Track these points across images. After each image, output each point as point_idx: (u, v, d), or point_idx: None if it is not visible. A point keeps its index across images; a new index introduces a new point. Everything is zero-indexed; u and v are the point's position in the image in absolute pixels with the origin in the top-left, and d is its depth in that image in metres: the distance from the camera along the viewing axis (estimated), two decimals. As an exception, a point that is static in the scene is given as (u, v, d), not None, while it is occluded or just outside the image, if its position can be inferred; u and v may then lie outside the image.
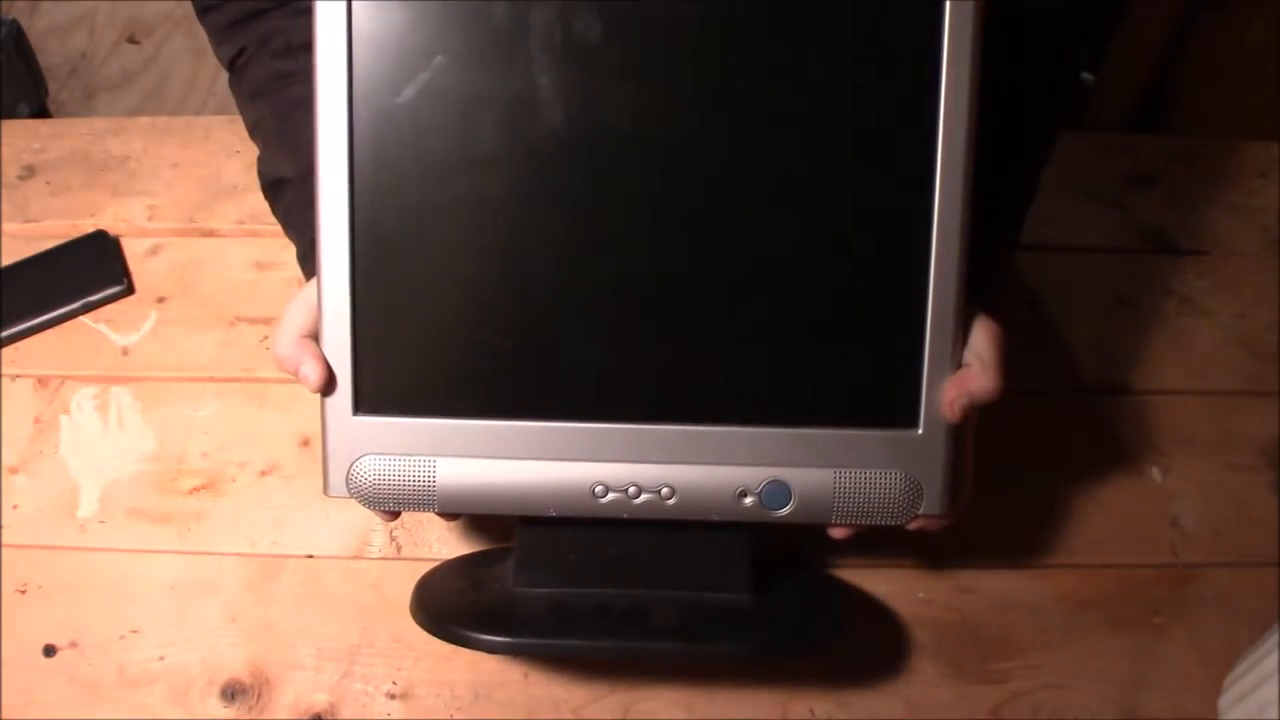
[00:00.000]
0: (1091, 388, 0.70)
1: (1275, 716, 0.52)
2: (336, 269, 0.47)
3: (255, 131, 0.62)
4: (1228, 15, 1.18)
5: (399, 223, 0.47)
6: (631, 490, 0.49)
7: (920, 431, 0.48)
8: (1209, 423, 0.68)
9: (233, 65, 0.61)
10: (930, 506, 0.49)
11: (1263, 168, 0.82)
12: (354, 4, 0.45)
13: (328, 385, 0.48)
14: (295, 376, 0.48)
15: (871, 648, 0.60)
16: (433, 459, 0.49)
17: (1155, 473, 0.66)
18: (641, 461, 0.49)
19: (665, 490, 0.49)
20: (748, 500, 0.49)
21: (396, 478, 0.49)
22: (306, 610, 0.60)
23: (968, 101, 0.46)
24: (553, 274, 0.48)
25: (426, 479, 0.49)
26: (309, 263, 0.47)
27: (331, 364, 0.48)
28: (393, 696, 0.57)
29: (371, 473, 0.49)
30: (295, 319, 0.50)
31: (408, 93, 0.46)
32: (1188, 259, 0.76)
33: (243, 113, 0.62)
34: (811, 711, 0.58)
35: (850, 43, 0.46)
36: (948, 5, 0.45)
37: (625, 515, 0.49)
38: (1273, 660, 0.53)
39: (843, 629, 0.54)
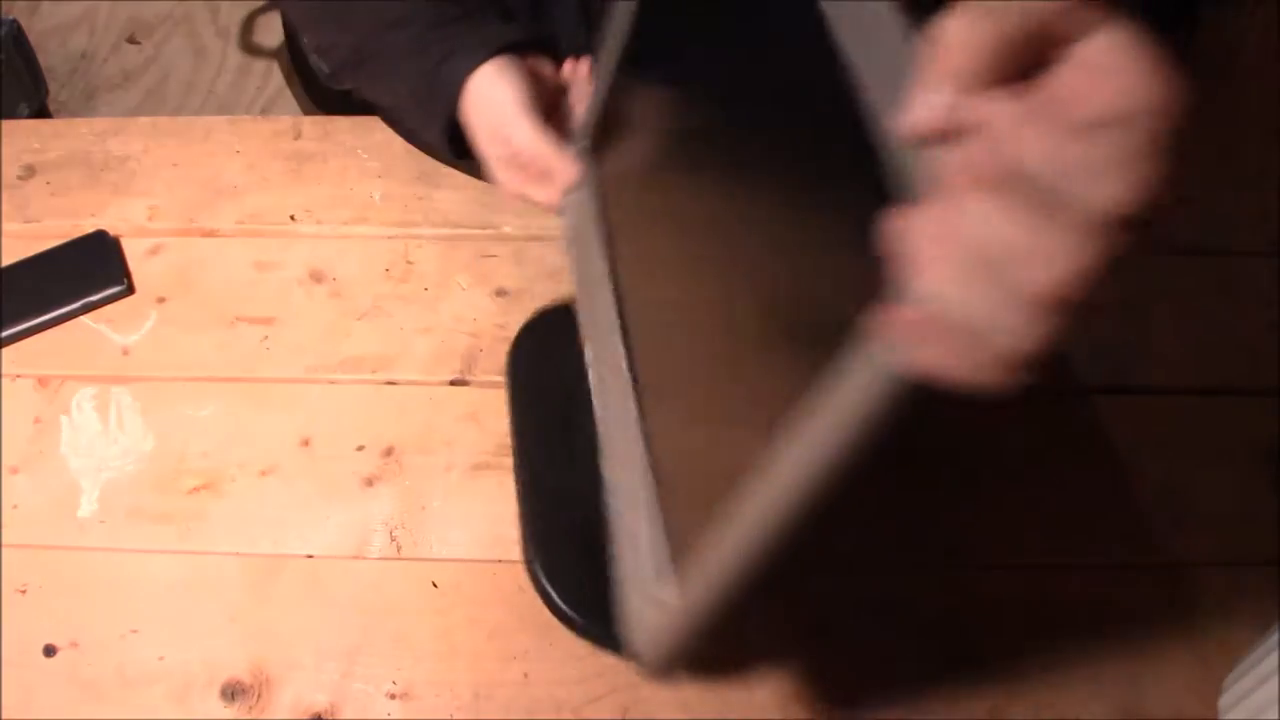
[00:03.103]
0: (1091, 387, 0.70)
1: (1275, 716, 0.52)
2: None
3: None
4: (1228, 15, 1.18)
5: None
6: None
7: None
8: (1209, 423, 0.68)
9: None
10: None
11: (1263, 168, 0.82)
12: None
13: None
14: (530, 183, 0.38)
15: (872, 647, 0.59)
16: None
17: (1155, 473, 0.66)
18: None
19: None
20: None
21: None
22: (306, 610, 0.60)
23: None
24: None
25: None
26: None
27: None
28: (393, 696, 0.57)
29: None
30: (512, 95, 0.39)
31: None
32: (1188, 259, 0.76)
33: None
34: (812, 711, 0.58)
35: None
36: None
37: None
38: (1273, 660, 0.53)
39: None
